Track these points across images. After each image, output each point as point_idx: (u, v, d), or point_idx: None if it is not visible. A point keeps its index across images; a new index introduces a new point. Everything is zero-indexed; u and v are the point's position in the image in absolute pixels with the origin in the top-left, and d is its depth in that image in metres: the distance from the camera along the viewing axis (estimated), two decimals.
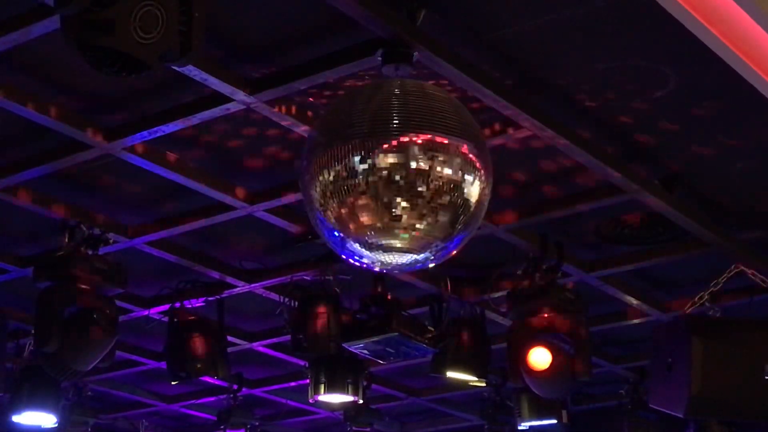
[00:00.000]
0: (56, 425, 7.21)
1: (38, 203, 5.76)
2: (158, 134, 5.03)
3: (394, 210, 3.49)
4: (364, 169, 3.47)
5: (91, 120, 5.03)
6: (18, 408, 6.87)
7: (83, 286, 5.66)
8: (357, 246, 3.59)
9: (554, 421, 7.35)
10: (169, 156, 5.39)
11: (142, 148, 5.25)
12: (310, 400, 7.04)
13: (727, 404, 5.52)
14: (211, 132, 5.20)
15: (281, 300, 6.51)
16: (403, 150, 3.49)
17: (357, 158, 3.49)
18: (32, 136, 5.17)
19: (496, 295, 6.62)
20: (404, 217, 3.50)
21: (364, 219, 3.52)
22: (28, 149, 5.31)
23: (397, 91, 3.76)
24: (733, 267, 6.04)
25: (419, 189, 3.49)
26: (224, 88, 4.59)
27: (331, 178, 3.53)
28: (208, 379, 7.39)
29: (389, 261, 3.63)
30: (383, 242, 3.56)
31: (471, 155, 3.60)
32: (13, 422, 6.98)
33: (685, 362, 5.44)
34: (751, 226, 6.10)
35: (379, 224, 3.51)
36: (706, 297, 5.92)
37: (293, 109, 4.88)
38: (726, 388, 5.46)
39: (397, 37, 4.10)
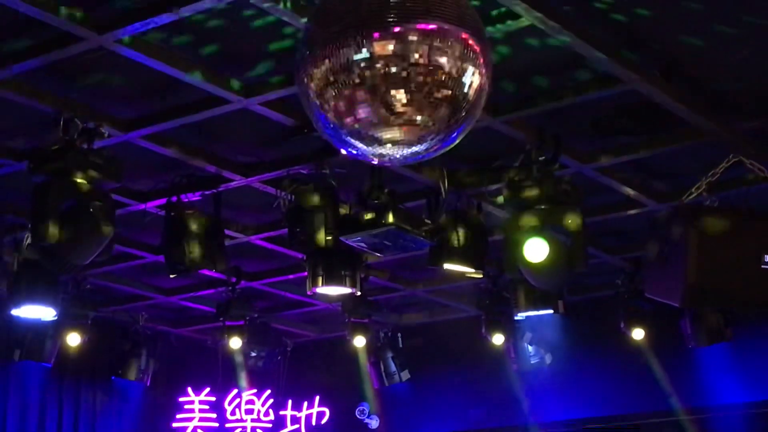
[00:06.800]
0: (55, 318, 7.26)
1: (31, 96, 5.70)
2: (150, 26, 4.96)
3: (391, 103, 3.42)
4: (360, 61, 3.39)
5: (82, 11, 4.95)
6: (17, 302, 6.89)
7: (79, 180, 5.64)
8: (353, 139, 3.54)
9: (551, 311, 7.40)
10: (163, 48, 5.31)
11: (135, 40, 5.17)
12: (309, 293, 7.08)
13: (723, 293, 5.52)
14: (205, 25, 5.12)
15: (278, 194, 6.49)
16: (400, 39, 3.41)
17: (353, 49, 3.41)
18: (22, 28, 5.09)
19: (494, 187, 6.61)
20: (402, 109, 3.43)
21: (361, 112, 3.46)
22: (19, 42, 5.23)
23: None
24: (731, 156, 6.00)
25: (417, 80, 3.41)
26: None
27: (327, 70, 3.46)
28: (206, 272, 7.41)
29: (387, 153, 3.58)
30: (380, 135, 3.49)
31: (471, 44, 3.51)
32: (12, 316, 7.02)
33: (682, 252, 5.44)
34: (750, 115, 6.06)
35: (376, 117, 3.45)
36: (704, 187, 5.88)
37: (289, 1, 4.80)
38: (722, 278, 5.46)
39: None
